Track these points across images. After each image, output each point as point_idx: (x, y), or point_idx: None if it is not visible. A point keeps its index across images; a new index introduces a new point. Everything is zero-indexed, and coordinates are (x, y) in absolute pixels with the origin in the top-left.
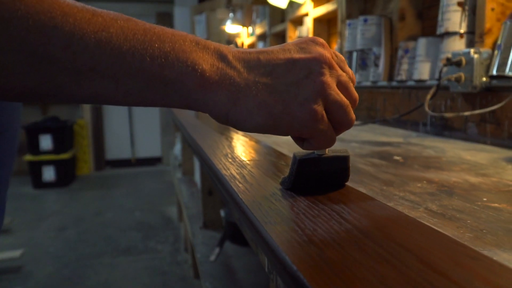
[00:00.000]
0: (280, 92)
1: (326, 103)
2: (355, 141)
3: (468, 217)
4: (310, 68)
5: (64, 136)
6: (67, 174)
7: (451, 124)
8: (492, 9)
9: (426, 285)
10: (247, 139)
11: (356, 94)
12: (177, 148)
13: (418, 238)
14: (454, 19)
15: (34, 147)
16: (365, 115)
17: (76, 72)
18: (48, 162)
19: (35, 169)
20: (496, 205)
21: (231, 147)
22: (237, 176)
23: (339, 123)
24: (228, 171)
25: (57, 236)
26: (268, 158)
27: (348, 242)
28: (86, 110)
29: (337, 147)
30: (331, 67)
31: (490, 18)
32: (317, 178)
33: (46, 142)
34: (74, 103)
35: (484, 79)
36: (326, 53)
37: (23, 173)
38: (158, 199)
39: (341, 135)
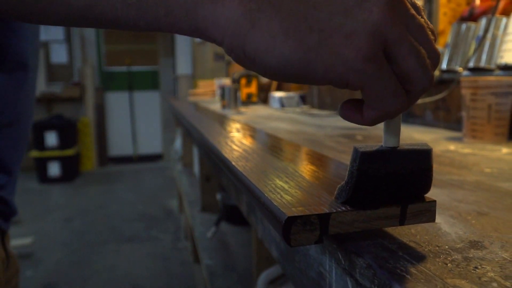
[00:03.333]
0: (319, 20)
1: (387, 44)
2: (330, 126)
3: None
4: None
5: (69, 133)
6: (71, 170)
7: (414, 112)
8: (445, 14)
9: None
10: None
11: (437, 49)
12: (178, 142)
13: None
14: None
15: (39, 144)
16: None
17: None
18: (53, 158)
19: (40, 165)
20: None
21: (223, 126)
22: (222, 141)
23: (409, 79)
24: (216, 139)
25: (64, 227)
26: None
27: None
28: (89, 108)
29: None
30: (399, 1)
31: (442, 21)
32: (387, 184)
33: (51, 139)
34: (70, 21)
35: (436, 72)
36: None
37: (29, 169)
38: (159, 193)
39: (319, 121)
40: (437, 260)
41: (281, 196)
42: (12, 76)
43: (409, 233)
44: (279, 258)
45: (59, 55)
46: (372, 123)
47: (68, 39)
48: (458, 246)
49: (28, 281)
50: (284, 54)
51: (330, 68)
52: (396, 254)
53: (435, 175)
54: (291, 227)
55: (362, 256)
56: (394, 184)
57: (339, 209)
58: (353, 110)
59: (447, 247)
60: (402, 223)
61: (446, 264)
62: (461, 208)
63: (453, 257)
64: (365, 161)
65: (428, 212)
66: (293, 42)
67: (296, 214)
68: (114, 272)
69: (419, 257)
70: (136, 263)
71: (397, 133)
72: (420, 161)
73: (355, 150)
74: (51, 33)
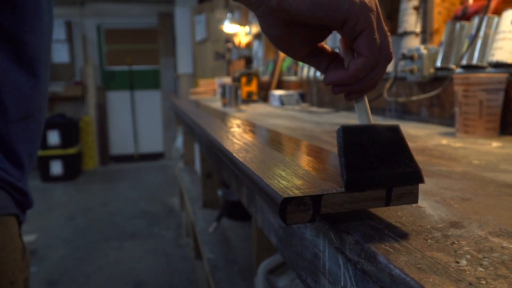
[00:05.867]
0: None
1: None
2: (328, 123)
3: None
4: None
5: (71, 132)
6: (73, 168)
7: (410, 109)
8: (439, 13)
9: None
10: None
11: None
12: (179, 141)
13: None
14: (411, 21)
15: (42, 142)
16: (344, 104)
17: None
18: (55, 157)
19: (43, 164)
20: None
21: (224, 122)
22: (223, 136)
23: (381, 45)
24: (218, 134)
25: (67, 224)
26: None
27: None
28: (91, 107)
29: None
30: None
31: (437, 20)
32: (373, 150)
33: (53, 137)
34: None
35: (431, 70)
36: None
37: None
38: (160, 191)
39: (318, 118)
40: (419, 237)
41: (278, 181)
42: (28, 71)
43: (396, 215)
44: (277, 244)
45: (60, 54)
46: (356, 72)
47: (69, 38)
48: (439, 225)
49: (32, 277)
50: None
51: (352, 6)
52: (382, 232)
53: (425, 167)
54: (287, 207)
55: (351, 234)
56: (379, 150)
57: (330, 192)
58: (337, 70)
59: (429, 226)
60: (387, 204)
61: (427, 240)
62: (446, 195)
63: (434, 235)
64: (348, 133)
65: (411, 194)
66: None
67: (291, 196)
68: (117, 268)
69: (403, 235)
70: (138, 259)
71: (367, 112)
72: (392, 133)
73: (338, 129)
74: (52, 33)
